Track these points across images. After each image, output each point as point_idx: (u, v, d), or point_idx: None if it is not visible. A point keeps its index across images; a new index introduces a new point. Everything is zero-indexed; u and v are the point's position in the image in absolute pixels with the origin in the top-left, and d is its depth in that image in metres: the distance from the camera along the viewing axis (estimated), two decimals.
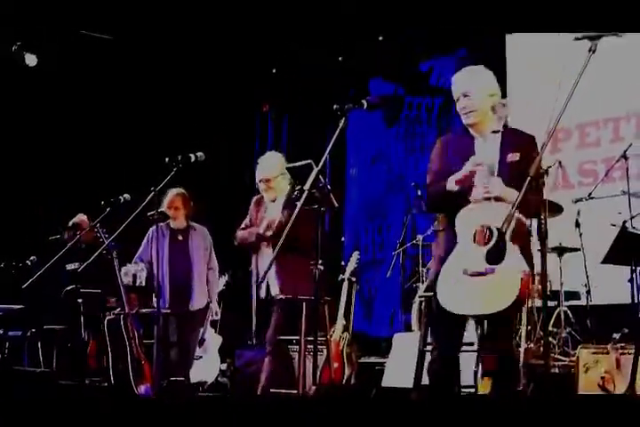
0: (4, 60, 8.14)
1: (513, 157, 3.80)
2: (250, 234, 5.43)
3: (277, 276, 5.24)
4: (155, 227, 5.67)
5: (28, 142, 8.35)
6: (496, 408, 2.73)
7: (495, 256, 3.65)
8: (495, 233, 3.67)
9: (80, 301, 6.06)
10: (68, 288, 6.16)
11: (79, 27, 8.34)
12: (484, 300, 3.64)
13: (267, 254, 5.31)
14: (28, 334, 6.66)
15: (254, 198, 5.60)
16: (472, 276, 3.67)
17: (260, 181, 5.45)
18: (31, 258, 6.33)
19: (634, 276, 5.42)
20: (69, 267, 6.25)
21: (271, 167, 5.45)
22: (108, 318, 5.83)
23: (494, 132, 3.87)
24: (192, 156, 4.99)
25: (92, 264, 5.23)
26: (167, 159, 4.97)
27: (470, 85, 3.94)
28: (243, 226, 5.56)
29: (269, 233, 5.28)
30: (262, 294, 5.30)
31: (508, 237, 3.64)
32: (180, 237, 6.19)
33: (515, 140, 3.90)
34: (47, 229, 6.97)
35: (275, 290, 5.25)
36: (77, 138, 8.56)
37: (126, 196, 5.45)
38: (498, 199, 3.69)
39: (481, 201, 3.74)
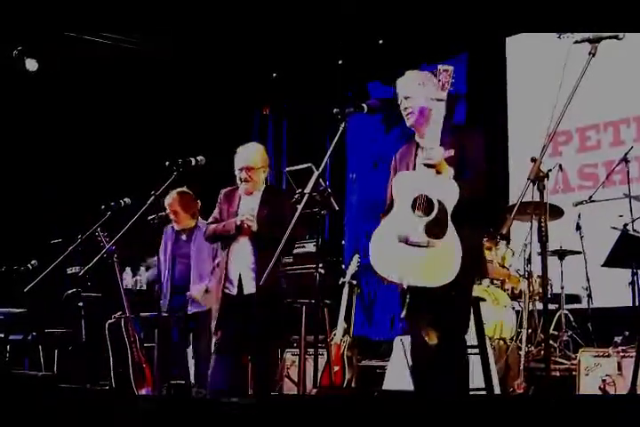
0: (5, 65, 8.15)
1: (447, 153, 3.83)
2: (227, 226, 5.05)
3: (255, 272, 4.90)
4: (165, 230, 5.66)
5: (29, 147, 8.35)
6: (497, 409, 2.73)
7: (437, 229, 3.68)
8: (436, 206, 3.70)
9: (81, 304, 6.04)
10: (69, 292, 6.16)
11: (79, 31, 8.34)
12: (422, 272, 3.65)
13: (239, 248, 5.01)
14: (29, 337, 6.67)
15: (224, 191, 5.27)
16: (410, 245, 3.68)
17: (240, 170, 5.10)
18: (32, 262, 6.32)
19: (635, 279, 5.42)
20: (70, 271, 6.26)
21: (255, 156, 5.15)
22: (108, 321, 5.83)
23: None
24: (192, 160, 4.96)
25: (92, 268, 5.23)
26: (167, 163, 4.95)
27: (412, 88, 4.03)
28: (212, 220, 5.25)
29: (253, 225, 4.95)
30: (234, 290, 4.96)
31: (449, 212, 3.68)
32: (184, 238, 6.11)
33: (452, 136, 3.93)
34: (48, 232, 6.96)
35: (249, 288, 4.93)
36: (78, 142, 8.56)
37: (127, 200, 5.45)
38: (437, 171, 3.74)
39: (420, 167, 3.79)
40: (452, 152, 3.87)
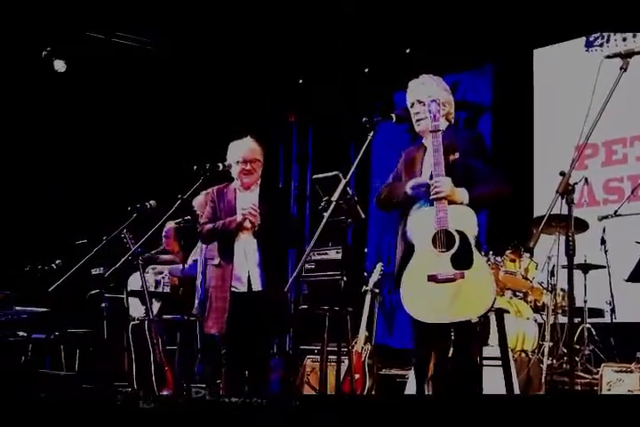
0: (33, 66, 8.22)
1: (452, 157, 3.80)
2: (229, 223, 4.86)
3: (261, 269, 4.83)
4: None
5: (55, 148, 8.41)
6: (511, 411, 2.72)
7: (463, 261, 3.63)
8: (457, 237, 3.65)
9: (104, 305, 6.07)
10: (93, 292, 6.20)
11: (109, 33, 8.42)
12: (459, 306, 3.58)
13: (244, 246, 4.86)
14: (52, 337, 6.71)
15: (215, 189, 5.10)
16: (440, 282, 3.62)
17: (245, 162, 4.94)
18: (57, 261, 6.36)
19: None
20: (94, 271, 6.29)
21: (258, 149, 5.04)
22: (132, 323, 5.86)
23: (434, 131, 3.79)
24: (220, 164, 4.99)
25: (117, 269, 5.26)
26: (195, 167, 4.97)
27: (424, 93, 3.98)
28: (205, 220, 5.04)
29: (257, 218, 4.80)
30: (243, 288, 4.84)
31: (472, 241, 3.64)
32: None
33: (454, 139, 3.87)
34: (73, 233, 7.01)
35: (257, 285, 4.84)
36: (105, 144, 8.61)
37: (152, 202, 5.48)
38: (450, 202, 3.69)
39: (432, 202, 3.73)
40: (456, 155, 3.82)
